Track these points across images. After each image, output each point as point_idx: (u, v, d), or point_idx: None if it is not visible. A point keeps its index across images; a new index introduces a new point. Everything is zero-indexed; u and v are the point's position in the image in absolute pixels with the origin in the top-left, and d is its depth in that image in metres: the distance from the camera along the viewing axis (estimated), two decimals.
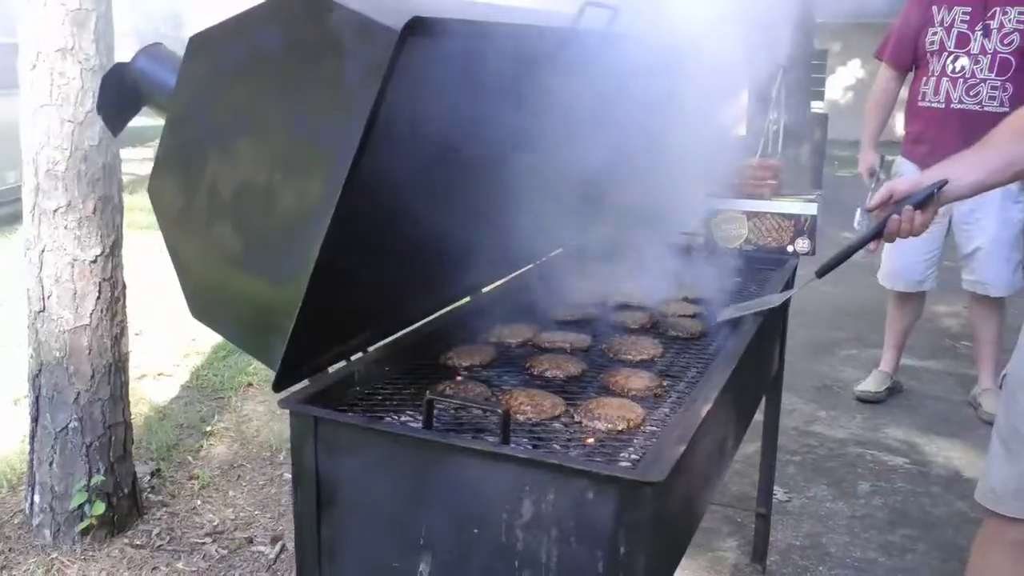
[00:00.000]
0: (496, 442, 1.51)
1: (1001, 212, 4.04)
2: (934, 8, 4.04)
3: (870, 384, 4.65)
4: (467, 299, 2.37)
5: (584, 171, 2.44)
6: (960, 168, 1.97)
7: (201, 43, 1.47)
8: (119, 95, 1.70)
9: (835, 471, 3.87)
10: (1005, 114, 3.74)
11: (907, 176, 2.00)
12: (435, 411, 1.56)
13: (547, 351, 2.13)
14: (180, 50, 1.57)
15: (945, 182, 1.93)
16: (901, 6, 4.31)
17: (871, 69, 20.30)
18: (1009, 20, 3.86)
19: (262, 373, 4.74)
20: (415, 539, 1.56)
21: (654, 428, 1.73)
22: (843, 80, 21.19)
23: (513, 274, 2.58)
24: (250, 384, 4.65)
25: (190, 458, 3.82)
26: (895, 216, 1.96)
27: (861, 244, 2.06)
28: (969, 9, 3.96)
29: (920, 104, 4.13)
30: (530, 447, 1.62)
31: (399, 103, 1.42)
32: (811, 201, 3.01)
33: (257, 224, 1.52)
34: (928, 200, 1.94)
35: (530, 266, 2.63)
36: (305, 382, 1.71)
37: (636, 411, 1.74)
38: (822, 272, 2.14)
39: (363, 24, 1.34)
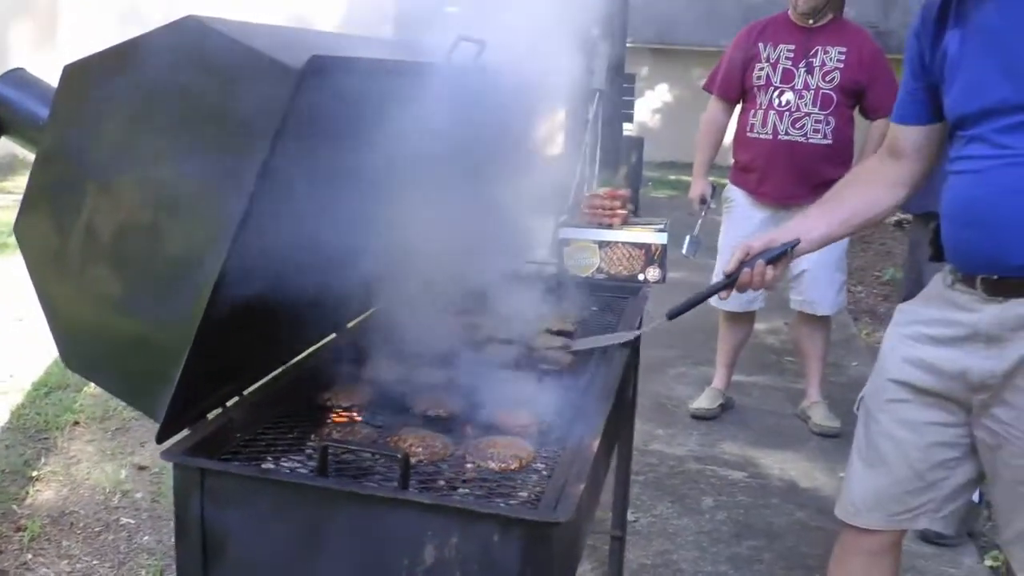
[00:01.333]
0: (395, 487, 1.48)
1: None
2: (760, 45, 4.27)
3: (703, 401, 4.80)
4: (333, 335, 2.31)
5: (445, 201, 2.44)
6: (808, 224, 2.16)
7: (78, 73, 1.37)
8: None
9: (678, 488, 3.99)
10: (828, 146, 4.10)
11: (762, 234, 2.19)
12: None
13: (422, 388, 2.10)
14: None
15: (798, 241, 2.11)
16: (707, 35, 4.56)
17: (677, 93, 21.38)
18: (830, 59, 4.14)
19: (89, 410, 4.45)
20: None
21: (543, 465, 1.74)
22: (651, 103, 22.06)
23: (372, 309, 2.52)
24: (77, 423, 4.34)
25: (15, 507, 3.52)
26: (747, 269, 2.11)
27: (714, 291, 2.20)
28: (793, 47, 4.21)
29: (749, 135, 4.33)
30: (426, 490, 1.60)
31: (290, 140, 1.38)
32: (661, 231, 3.12)
33: (140, 266, 1.43)
34: (780, 256, 2.11)
35: (383, 303, 2.58)
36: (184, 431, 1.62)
37: (527, 449, 1.75)
38: (672, 315, 2.28)
39: (260, 61, 1.29)
